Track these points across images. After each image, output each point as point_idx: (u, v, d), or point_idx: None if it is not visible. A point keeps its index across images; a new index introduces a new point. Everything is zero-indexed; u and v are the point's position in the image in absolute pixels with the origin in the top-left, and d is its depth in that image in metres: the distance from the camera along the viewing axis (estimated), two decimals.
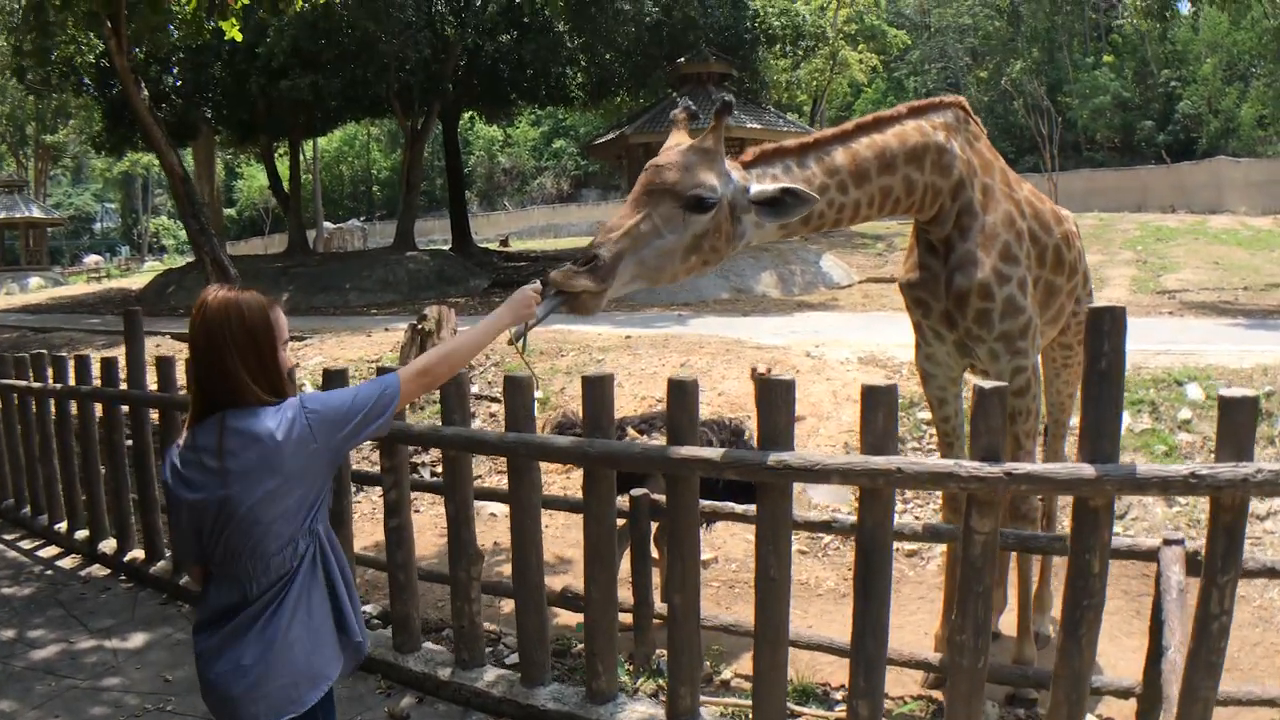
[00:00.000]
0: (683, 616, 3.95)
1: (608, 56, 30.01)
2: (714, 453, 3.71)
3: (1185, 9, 45.00)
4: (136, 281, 38.10)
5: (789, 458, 3.50)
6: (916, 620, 6.65)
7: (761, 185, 3.89)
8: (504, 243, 44.17)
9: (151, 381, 6.98)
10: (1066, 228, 5.30)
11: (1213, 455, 3.31)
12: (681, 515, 3.90)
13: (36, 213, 47.93)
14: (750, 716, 4.20)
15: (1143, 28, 46.44)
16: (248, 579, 2.75)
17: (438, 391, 4.99)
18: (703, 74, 26.34)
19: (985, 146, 4.74)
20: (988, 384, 3.31)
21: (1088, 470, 3.23)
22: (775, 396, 3.59)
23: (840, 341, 12.75)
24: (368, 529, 8.71)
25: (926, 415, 9.95)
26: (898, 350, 11.65)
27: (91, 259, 57.64)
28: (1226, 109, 49.54)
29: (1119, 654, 5.98)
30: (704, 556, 7.45)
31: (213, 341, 2.74)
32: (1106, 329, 3.26)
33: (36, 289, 41.85)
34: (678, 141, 3.90)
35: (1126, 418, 9.48)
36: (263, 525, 2.70)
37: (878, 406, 3.46)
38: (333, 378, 5.14)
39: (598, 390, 4.08)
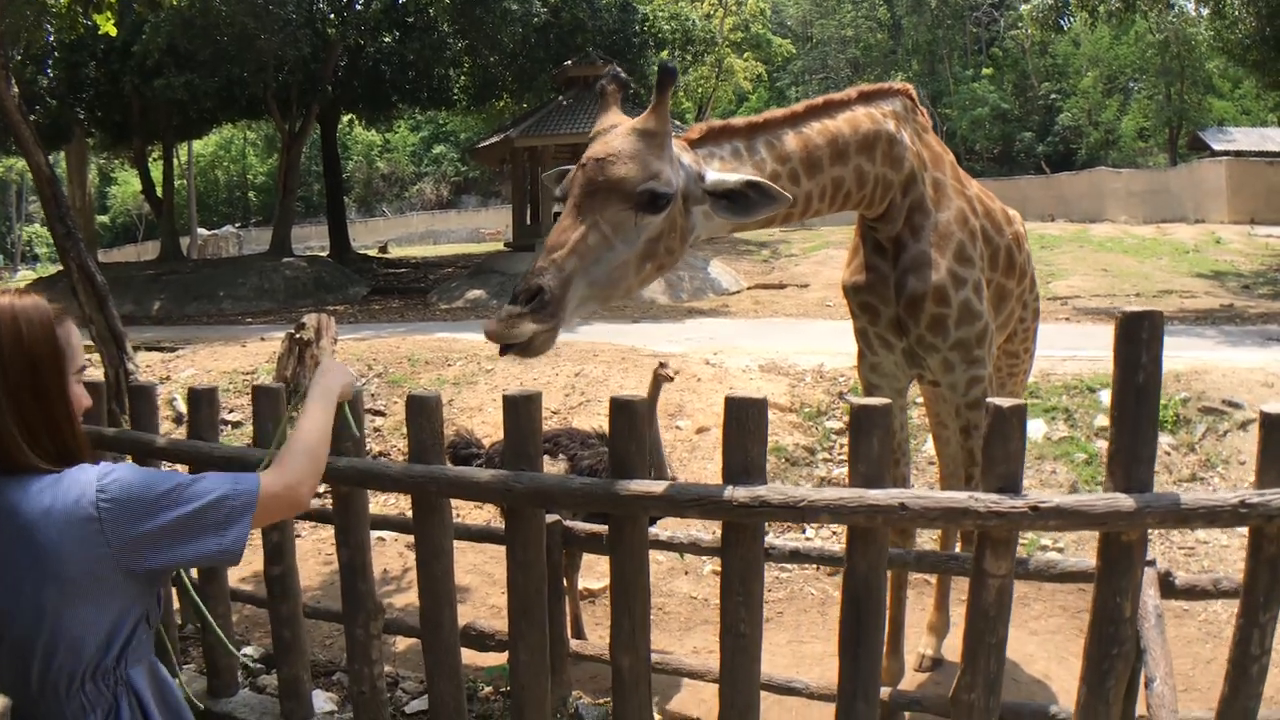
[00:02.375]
0: (632, 683, 3.28)
1: (492, 59, 29.37)
2: (669, 488, 3.07)
3: (1069, 23, 46.37)
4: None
5: (766, 493, 2.88)
6: None
7: (719, 174, 3.31)
8: (383, 249, 43.31)
9: None
10: (1016, 228, 4.92)
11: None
12: (629, 562, 3.23)
13: None
14: None
15: (1036, 38, 47.46)
16: None
17: None
18: (589, 77, 25.72)
19: (934, 139, 4.31)
20: (1007, 403, 2.76)
21: (1125, 502, 2.70)
22: (746, 418, 2.96)
23: (738, 349, 12.53)
24: (246, 555, 7.97)
25: (835, 425, 9.57)
26: (798, 357, 11.46)
27: None
28: (1107, 121, 50.96)
29: (1069, 678, 5.51)
30: (598, 585, 6.88)
31: None
32: (1145, 337, 2.73)
33: None
34: (613, 122, 3.26)
35: (1042, 425, 9.23)
36: (43, 655, 1.90)
37: (871, 429, 2.86)
38: (199, 401, 4.26)
39: (523, 413, 3.36)
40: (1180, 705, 3.56)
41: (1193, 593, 4.11)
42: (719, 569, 7.08)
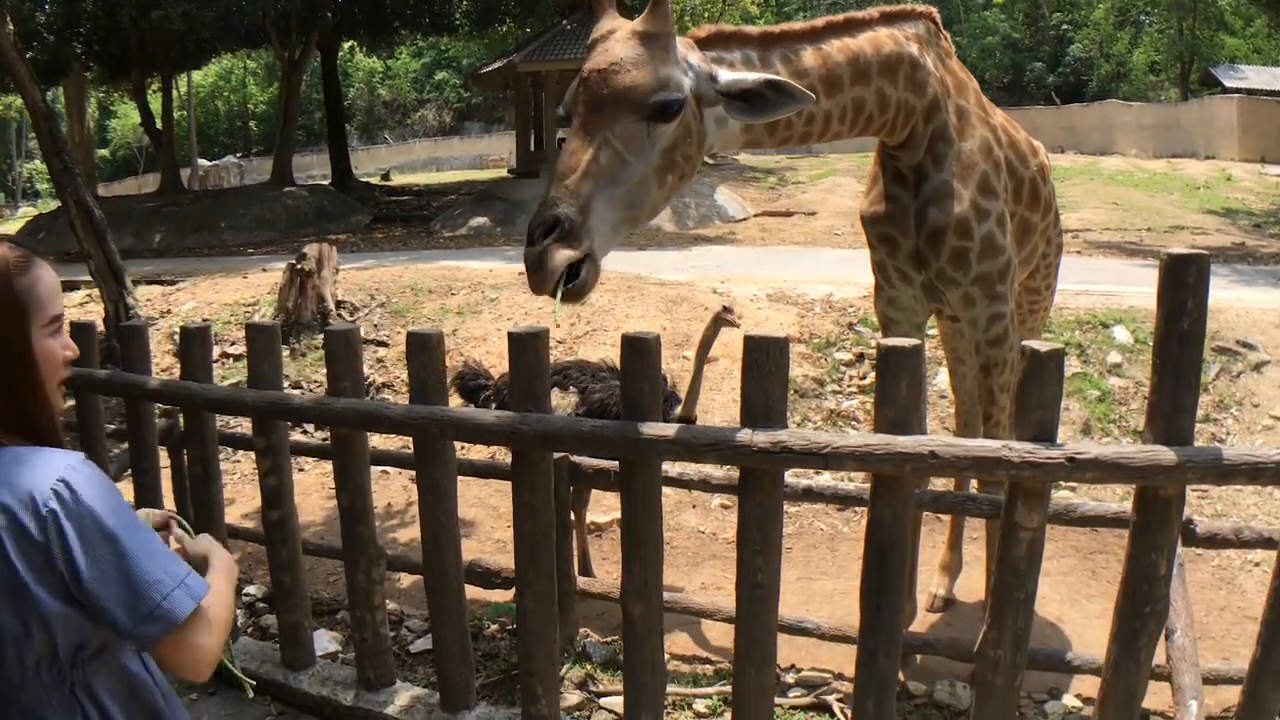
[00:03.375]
0: (644, 631, 3.15)
1: None
2: (684, 431, 2.92)
3: None
4: (9, 229, 35.86)
5: (788, 438, 2.73)
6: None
7: (734, 74, 3.10)
8: (385, 177, 42.97)
9: None
10: (1041, 160, 4.74)
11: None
12: (641, 507, 3.08)
13: None
14: None
15: None
16: None
17: (321, 349, 3.78)
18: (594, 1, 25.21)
19: (957, 65, 4.12)
20: (1044, 347, 2.59)
21: (1166, 455, 2.54)
22: (767, 358, 2.80)
23: (746, 277, 12.31)
24: (248, 492, 7.88)
25: (844, 356, 9.43)
26: (807, 287, 11.27)
27: None
28: (1118, 53, 50.27)
29: (1083, 621, 5.50)
30: (605, 519, 6.76)
31: None
32: (1191, 281, 2.55)
33: None
34: (611, 27, 3.04)
35: None
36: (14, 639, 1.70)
37: (900, 372, 2.69)
38: (191, 340, 4.06)
39: (530, 350, 3.20)
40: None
41: (1214, 541, 3.98)
42: (728, 503, 7.03)
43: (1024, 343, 2.65)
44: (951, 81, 3.99)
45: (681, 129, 3.00)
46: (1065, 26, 53.72)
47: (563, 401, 5.34)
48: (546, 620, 3.33)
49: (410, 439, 3.55)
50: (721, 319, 5.08)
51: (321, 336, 10.37)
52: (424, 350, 3.41)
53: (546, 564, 3.29)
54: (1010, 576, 2.75)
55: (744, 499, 2.94)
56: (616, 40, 2.99)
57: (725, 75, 3.10)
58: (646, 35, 2.96)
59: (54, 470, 1.72)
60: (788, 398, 2.91)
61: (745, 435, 2.78)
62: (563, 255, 2.75)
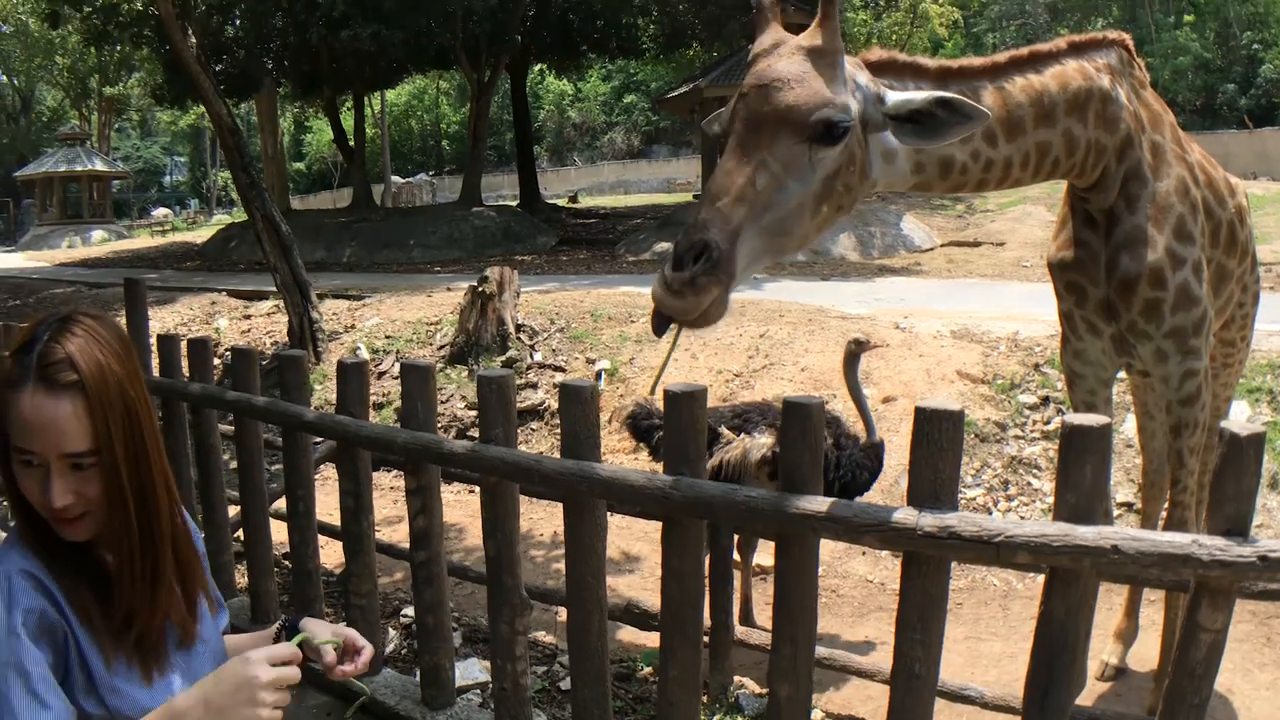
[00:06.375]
0: (790, 713, 2.97)
1: (681, 5, 28.90)
2: (843, 507, 2.73)
3: None
4: (202, 235, 37.58)
5: (957, 523, 2.51)
6: None
7: (902, 94, 2.85)
8: (573, 199, 43.50)
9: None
10: (1239, 200, 4.34)
11: None
12: (795, 584, 2.90)
13: (99, 165, 47.17)
14: None
15: None
16: None
17: (476, 395, 3.57)
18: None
19: (1152, 96, 3.77)
20: (1244, 430, 2.32)
21: None
22: (938, 433, 2.58)
23: (929, 312, 11.93)
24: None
25: (1028, 399, 9.03)
26: (992, 323, 10.84)
27: (159, 212, 57.54)
28: None
29: (1252, 692, 5.08)
30: (771, 561, 6.55)
31: None
32: None
33: (100, 242, 41.56)
34: (774, 40, 2.79)
35: (1245, 408, 8.42)
36: None
37: (1085, 454, 2.44)
38: (347, 374, 4.03)
39: (685, 410, 3.04)
40: None
41: None
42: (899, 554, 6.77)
43: (1222, 424, 2.38)
44: (1146, 115, 3.67)
45: (845, 154, 2.75)
46: (1256, 46, 50.86)
47: (756, 441, 5.17)
48: (690, 692, 3.18)
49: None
50: (855, 352, 5.03)
51: (500, 360, 10.57)
52: (577, 403, 3.30)
53: (694, 635, 3.13)
54: (1185, 679, 2.47)
55: (905, 584, 2.72)
56: (780, 55, 2.76)
57: (893, 96, 2.85)
58: (813, 51, 2.73)
59: None
60: (961, 469, 2.69)
61: (909, 516, 2.57)
62: (711, 293, 2.54)
